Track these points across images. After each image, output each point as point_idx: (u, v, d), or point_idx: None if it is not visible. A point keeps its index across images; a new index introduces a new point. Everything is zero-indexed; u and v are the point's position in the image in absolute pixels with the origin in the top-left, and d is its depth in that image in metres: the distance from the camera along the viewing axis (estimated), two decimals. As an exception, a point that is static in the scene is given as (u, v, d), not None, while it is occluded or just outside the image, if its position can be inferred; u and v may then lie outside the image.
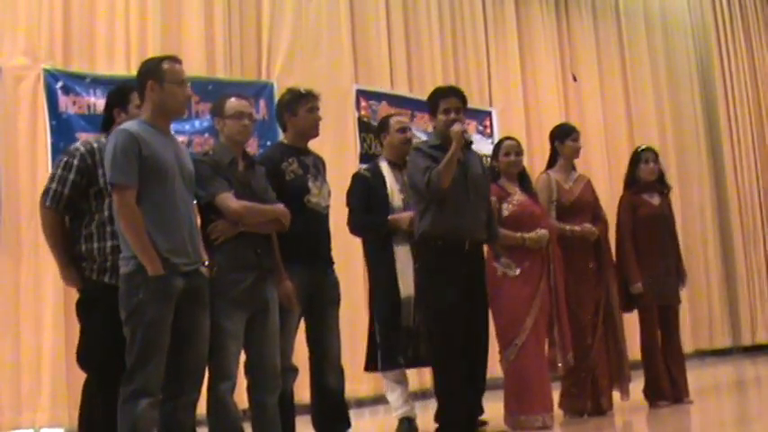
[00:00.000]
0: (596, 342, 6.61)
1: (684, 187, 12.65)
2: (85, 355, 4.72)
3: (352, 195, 6.27)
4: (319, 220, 5.42)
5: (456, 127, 5.61)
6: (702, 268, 12.71)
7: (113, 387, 4.28)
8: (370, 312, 6.29)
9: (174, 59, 4.56)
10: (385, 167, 6.24)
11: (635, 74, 12.55)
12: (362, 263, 8.75)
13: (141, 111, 4.50)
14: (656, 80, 12.82)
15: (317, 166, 5.55)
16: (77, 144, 4.87)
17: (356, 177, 6.37)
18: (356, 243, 8.74)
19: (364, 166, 6.95)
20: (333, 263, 5.55)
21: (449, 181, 5.53)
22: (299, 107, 5.48)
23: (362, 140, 9.35)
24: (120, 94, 4.90)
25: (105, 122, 4.89)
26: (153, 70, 4.45)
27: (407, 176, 5.86)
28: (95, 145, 4.70)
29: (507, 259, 6.08)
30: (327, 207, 5.51)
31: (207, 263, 4.63)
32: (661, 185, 7.33)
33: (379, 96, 9.57)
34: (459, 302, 5.53)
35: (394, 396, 6.21)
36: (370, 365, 6.26)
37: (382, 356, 6.11)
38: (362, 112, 9.39)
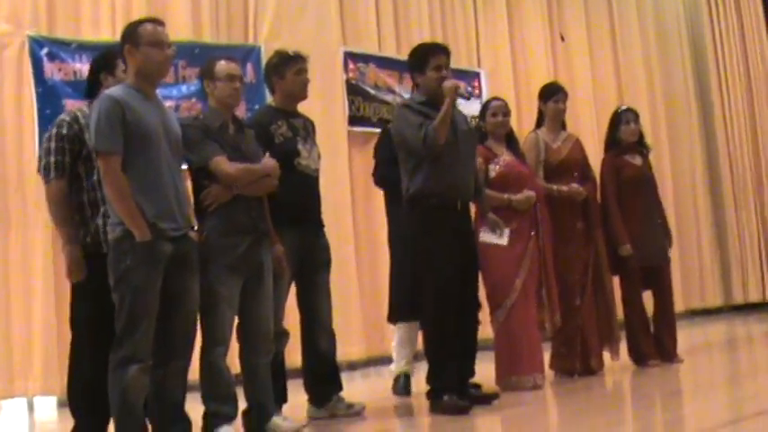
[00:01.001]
0: (585, 303, 6.64)
1: (675, 146, 12.70)
2: (72, 318, 4.76)
3: (380, 148, 6.32)
4: (309, 182, 5.43)
5: (449, 83, 5.55)
6: (693, 227, 12.77)
7: (101, 351, 4.32)
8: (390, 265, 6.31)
9: (154, 21, 4.53)
10: None
11: (623, 33, 12.51)
12: (352, 225, 8.86)
13: (126, 75, 4.50)
14: (645, 38, 12.79)
15: (307, 129, 5.55)
16: (62, 115, 4.89)
17: (385, 131, 6.42)
18: (345, 205, 8.87)
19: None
20: (323, 226, 5.57)
21: (445, 137, 5.47)
22: (287, 70, 5.47)
23: (351, 103, 9.34)
24: (105, 58, 4.91)
25: (91, 88, 4.89)
26: (129, 34, 4.44)
27: (394, 133, 5.75)
28: (78, 113, 4.74)
29: (494, 216, 6.06)
30: (317, 170, 5.52)
31: (195, 227, 4.64)
32: (641, 146, 7.30)
33: (366, 58, 9.56)
34: (453, 262, 5.50)
35: (398, 350, 6.27)
36: (392, 317, 6.29)
37: (398, 307, 6.16)
38: (350, 75, 9.37)
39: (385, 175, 6.25)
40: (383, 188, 6.47)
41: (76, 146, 4.64)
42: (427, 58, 5.70)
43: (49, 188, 4.68)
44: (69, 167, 4.65)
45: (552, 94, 6.91)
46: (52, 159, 4.64)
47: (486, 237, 6.09)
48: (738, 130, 13.25)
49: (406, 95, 8.28)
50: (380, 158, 6.31)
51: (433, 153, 5.46)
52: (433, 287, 5.46)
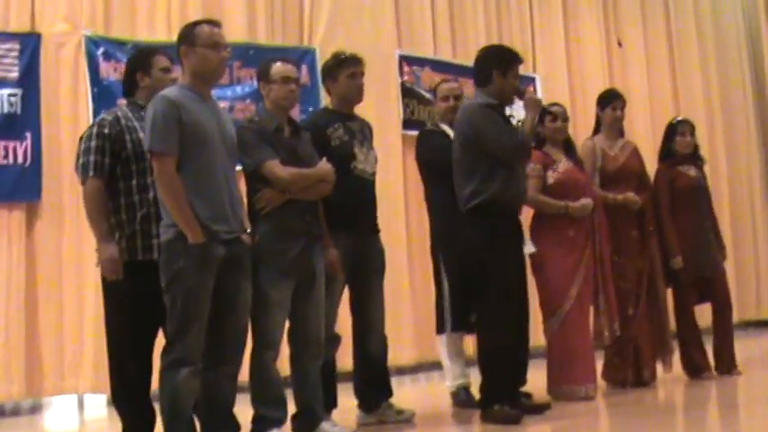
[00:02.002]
0: (638, 313, 6.55)
1: (732, 157, 12.53)
2: (107, 321, 4.74)
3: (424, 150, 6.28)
4: (365, 186, 5.40)
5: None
6: (750, 239, 12.58)
7: (141, 355, 4.39)
8: (435, 275, 6.21)
9: (211, 22, 4.52)
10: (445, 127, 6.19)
11: (681, 40, 12.36)
12: (405, 230, 8.82)
13: (180, 76, 4.49)
14: (703, 47, 12.62)
15: (364, 132, 5.52)
16: (103, 114, 4.86)
17: (423, 132, 6.47)
18: (399, 210, 8.83)
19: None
20: (378, 230, 5.54)
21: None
22: (340, 72, 5.45)
23: (405, 106, 9.32)
24: (141, 57, 4.87)
25: (128, 87, 4.83)
26: (186, 34, 4.43)
27: (471, 131, 5.47)
28: (119, 113, 4.68)
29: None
30: (374, 173, 5.48)
31: (249, 231, 4.61)
32: (696, 158, 7.20)
33: (422, 62, 9.53)
34: (517, 271, 5.48)
35: (451, 363, 6.18)
36: (441, 328, 6.21)
37: (451, 318, 6.08)
38: (405, 78, 9.35)
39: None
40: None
41: (117, 147, 4.55)
42: (512, 64, 5.59)
43: (85, 187, 4.60)
44: (109, 168, 4.56)
45: (610, 100, 6.85)
46: (92, 158, 4.54)
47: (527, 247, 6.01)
48: (797, 141, 13.08)
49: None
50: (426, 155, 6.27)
51: (518, 161, 5.49)
52: (499, 296, 5.33)
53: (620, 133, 6.89)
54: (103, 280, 4.64)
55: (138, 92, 4.73)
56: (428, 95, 9.28)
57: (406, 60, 9.39)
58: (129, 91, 4.81)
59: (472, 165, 5.45)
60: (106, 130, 4.58)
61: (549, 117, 6.36)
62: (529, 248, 5.97)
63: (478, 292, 5.44)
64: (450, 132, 5.97)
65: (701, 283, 6.97)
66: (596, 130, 6.87)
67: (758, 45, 13.28)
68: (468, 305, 5.81)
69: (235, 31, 8.09)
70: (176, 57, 4.50)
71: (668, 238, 6.85)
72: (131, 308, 4.50)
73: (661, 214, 6.90)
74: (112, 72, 7.67)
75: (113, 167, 4.56)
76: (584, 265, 6.11)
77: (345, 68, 5.45)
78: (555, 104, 6.58)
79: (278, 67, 4.98)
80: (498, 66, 5.57)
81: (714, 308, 7.06)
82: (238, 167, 4.70)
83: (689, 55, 12.40)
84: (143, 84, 4.73)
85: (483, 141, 5.42)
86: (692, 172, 7.08)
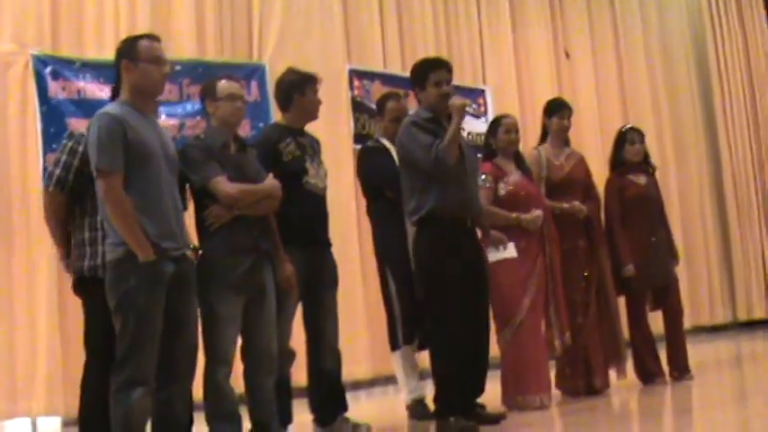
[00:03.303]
0: (588, 322, 6.57)
1: (681, 164, 12.70)
2: (86, 338, 4.73)
3: (364, 164, 6.32)
4: (317, 201, 5.41)
5: (458, 101, 5.47)
6: (701, 245, 12.75)
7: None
8: (382, 289, 6.21)
9: (151, 37, 4.46)
10: (387, 143, 6.21)
11: (628, 50, 12.50)
12: (358, 245, 8.81)
13: (121, 92, 4.41)
14: (650, 56, 12.78)
15: (314, 147, 5.54)
16: (83, 129, 4.83)
17: (365, 149, 6.50)
18: (351, 224, 8.82)
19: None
20: (331, 245, 5.54)
21: (455, 156, 5.41)
22: (308, 88, 5.48)
23: (356, 120, 9.34)
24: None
25: None
26: (127, 49, 4.37)
27: (402, 151, 5.65)
28: None
29: (496, 232, 6.03)
30: (325, 188, 5.49)
31: (192, 246, 4.60)
32: (646, 165, 7.24)
33: (372, 76, 9.56)
34: (464, 282, 5.46)
35: (407, 376, 6.17)
36: (395, 343, 6.20)
37: (402, 331, 6.07)
38: (356, 92, 9.37)
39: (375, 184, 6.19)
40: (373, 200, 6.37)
41: (88, 168, 4.55)
42: (427, 73, 5.62)
43: (44, 197, 4.71)
44: (72, 185, 4.62)
45: (557, 109, 6.88)
46: (57, 171, 4.65)
47: (494, 255, 6.06)
48: (743, 148, 13.29)
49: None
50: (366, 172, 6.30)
51: (445, 173, 5.40)
52: (444, 308, 5.38)
53: (566, 142, 6.92)
54: (84, 299, 4.69)
55: None
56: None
57: (355, 75, 9.42)
58: None
59: (410, 180, 5.55)
60: (80, 148, 4.61)
61: (502, 129, 6.36)
62: (494, 255, 6.03)
63: (426, 304, 5.49)
64: (392, 148, 6.04)
65: (653, 290, 7.02)
66: (542, 139, 6.90)
67: (704, 52, 13.47)
68: (418, 317, 5.83)
69: (184, 49, 8.09)
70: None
71: (619, 247, 6.88)
72: (107, 322, 4.40)
73: (612, 223, 6.94)
74: (61, 91, 7.61)
75: (83, 186, 4.58)
76: (537, 276, 6.13)
77: (311, 84, 5.49)
78: (506, 116, 6.58)
79: (224, 85, 4.97)
80: (415, 81, 5.68)
81: (666, 314, 7.11)
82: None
83: (636, 64, 12.55)
84: None
85: (408, 159, 5.53)
86: (643, 180, 7.12)
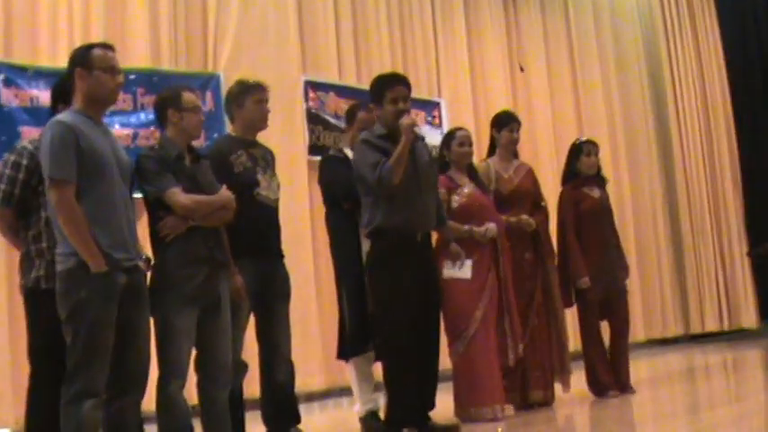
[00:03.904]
0: (527, 335, 6.57)
1: (634, 175, 12.85)
2: (29, 350, 4.70)
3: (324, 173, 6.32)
4: (269, 213, 5.42)
5: (406, 120, 5.54)
6: (654, 258, 12.90)
7: (59, 384, 4.23)
8: (338, 299, 6.22)
9: (105, 46, 4.44)
10: (349, 153, 6.22)
11: (583, 64, 12.65)
12: (313, 256, 8.82)
13: (73, 101, 4.39)
14: (605, 70, 12.94)
15: (267, 159, 5.54)
16: (24, 142, 4.84)
17: (326, 158, 6.52)
18: (305, 236, 8.83)
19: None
20: (283, 256, 5.55)
21: (400, 176, 5.49)
22: (247, 98, 5.47)
23: (311, 132, 9.35)
24: (63, 87, 4.82)
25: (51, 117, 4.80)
26: (81, 57, 4.34)
27: (354, 167, 5.77)
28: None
29: (456, 246, 6.06)
30: (277, 200, 5.50)
31: (145, 257, 4.59)
32: (599, 178, 7.31)
33: (327, 87, 9.58)
34: (412, 295, 5.53)
35: (359, 388, 6.17)
36: (343, 353, 6.21)
37: (351, 341, 6.07)
38: (311, 103, 9.38)
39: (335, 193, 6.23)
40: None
41: (33, 178, 4.58)
42: (383, 90, 5.70)
43: None
44: (18, 199, 4.63)
45: (506, 123, 6.92)
46: (2, 187, 4.62)
47: (448, 271, 6.09)
48: (696, 159, 13.49)
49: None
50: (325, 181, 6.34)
51: (389, 193, 5.49)
52: (391, 320, 5.47)
53: (515, 155, 6.98)
54: (27, 311, 4.69)
55: None
56: (333, 121, 9.35)
57: (311, 86, 9.43)
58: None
59: (365, 195, 5.65)
60: (24, 162, 4.61)
61: (456, 141, 6.41)
62: (449, 272, 6.06)
63: (376, 316, 5.57)
64: None
65: (602, 301, 7.06)
66: (491, 152, 6.95)
67: (657, 66, 13.71)
68: (369, 329, 5.87)
69: (138, 58, 8.06)
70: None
71: (574, 259, 6.96)
72: (50, 332, 4.40)
73: (567, 235, 7.01)
74: (13, 98, 7.55)
75: (31, 198, 4.60)
76: (489, 288, 6.17)
77: (253, 94, 5.48)
78: (459, 129, 6.62)
79: (189, 97, 4.97)
80: (373, 98, 5.78)
81: (612, 326, 7.19)
82: (139, 195, 4.71)
83: (591, 77, 12.70)
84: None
85: (357, 175, 5.66)
86: (597, 193, 7.19)
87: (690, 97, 13.58)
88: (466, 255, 6.11)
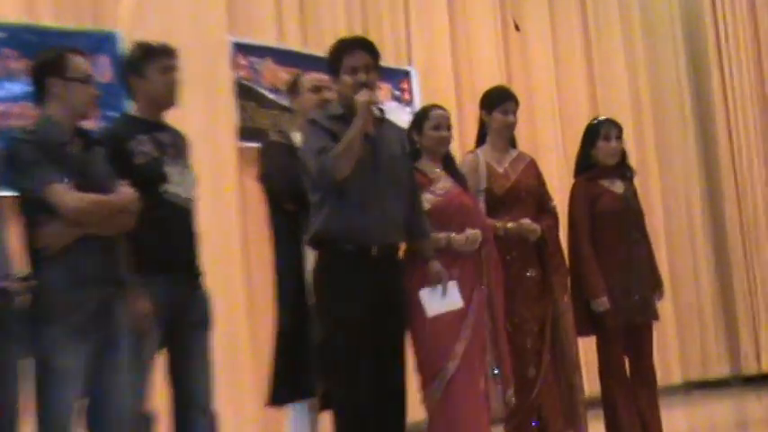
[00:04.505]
0: (541, 374, 6.62)
1: (666, 172, 12.88)
2: None
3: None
4: (180, 215, 5.41)
5: (362, 95, 5.54)
6: (691, 276, 12.94)
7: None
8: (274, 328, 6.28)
9: None
10: (296, 138, 6.26)
11: (599, 24, 12.65)
12: (244, 273, 8.79)
13: None
14: (628, 33, 12.94)
15: (178, 146, 5.54)
16: None
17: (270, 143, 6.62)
18: (234, 247, 8.79)
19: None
20: (200, 273, 5.55)
21: (349, 168, 5.46)
22: (149, 67, 5.46)
23: (242, 110, 9.28)
24: None
25: None
26: None
27: (299, 156, 5.80)
28: None
29: (438, 266, 5.99)
30: (191, 200, 5.50)
31: (18, 276, 4.60)
32: (623, 168, 7.33)
33: (262, 51, 9.52)
34: (364, 327, 5.53)
35: None
36: (276, 398, 6.25)
37: (283, 384, 6.13)
38: (241, 73, 9.30)
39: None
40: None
41: None
42: (341, 57, 5.73)
43: None
44: None
45: (499, 101, 6.91)
46: None
47: (432, 305, 5.98)
48: (748, 149, 13.42)
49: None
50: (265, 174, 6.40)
51: (332, 188, 5.51)
52: (339, 361, 5.49)
53: (512, 143, 7.00)
54: None
55: None
56: (271, 96, 9.32)
57: (241, 50, 9.35)
58: None
59: (311, 192, 5.67)
60: None
61: (430, 123, 6.39)
62: (430, 302, 6.00)
63: (321, 352, 5.61)
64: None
65: (626, 330, 7.06)
66: (480, 141, 6.96)
67: (698, 30, 13.75)
68: (309, 367, 5.92)
69: (9, 10, 8.03)
70: None
71: (589, 275, 6.96)
72: None
73: (579, 244, 7.03)
74: None
75: None
76: (473, 314, 6.12)
77: (156, 61, 5.47)
78: (435, 107, 6.59)
79: (79, 63, 4.98)
80: (332, 64, 5.81)
81: (633, 362, 7.16)
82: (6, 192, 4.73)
83: (609, 41, 12.71)
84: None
85: (302, 165, 5.68)
86: (620, 187, 7.21)
87: (740, 67, 13.53)
88: (455, 281, 6.06)
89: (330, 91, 6.31)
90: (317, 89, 6.43)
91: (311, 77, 6.55)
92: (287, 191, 6.09)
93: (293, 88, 6.60)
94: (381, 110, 5.83)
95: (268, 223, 6.41)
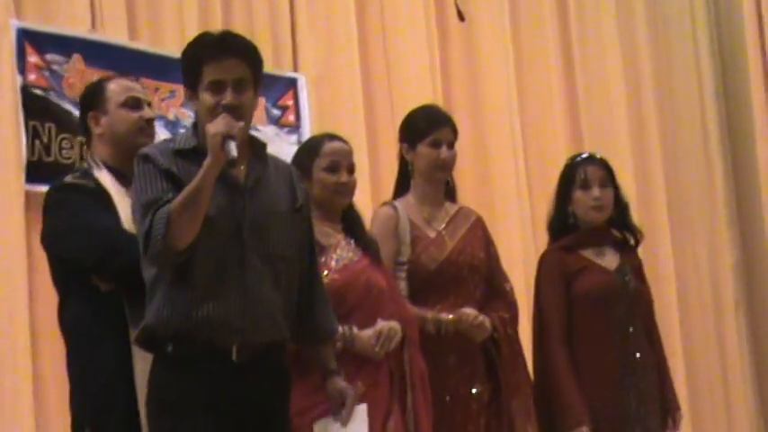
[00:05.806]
0: None
1: (682, 231, 12.84)
2: None
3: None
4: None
5: (216, 124, 5.35)
6: (720, 393, 12.87)
7: None
8: None
9: None
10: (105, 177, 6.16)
11: (585, 13, 12.69)
12: (30, 348, 8.73)
13: None
14: (627, 28, 13.03)
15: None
16: None
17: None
18: (20, 316, 8.75)
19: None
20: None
21: (192, 232, 5.31)
22: None
23: (33, 132, 9.11)
24: None
25: None
26: None
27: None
28: None
29: (341, 382, 5.94)
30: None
31: None
32: (622, 229, 7.38)
33: (67, 44, 9.39)
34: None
35: None
36: None
37: None
38: (32, 76, 9.15)
39: None
40: None
41: None
42: (199, 65, 5.58)
43: None
44: None
45: (428, 129, 6.90)
46: None
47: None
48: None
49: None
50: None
51: (168, 262, 5.38)
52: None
53: (450, 193, 7.02)
54: None
55: None
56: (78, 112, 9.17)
57: (32, 40, 9.25)
58: None
59: (144, 264, 5.56)
60: None
61: (322, 161, 6.38)
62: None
63: None
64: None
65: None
66: (401, 187, 6.96)
67: (729, 20, 13.75)
68: None
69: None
70: None
71: (563, 394, 6.98)
72: None
73: (549, 345, 7.07)
74: None
75: None
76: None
77: None
78: (331, 137, 6.61)
79: None
80: (187, 74, 5.70)
81: None
82: None
83: (599, 38, 12.79)
84: None
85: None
86: (611, 259, 7.27)
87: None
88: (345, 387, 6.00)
89: (152, 108, 6.34)
90: (133, 103, 6.20)
91: (122, 84, 6.34)
92: (98, 259, 5.87)
93: (94, 100, 6.31)
94: (232, 157, 5.59)
95: (58, 316, 6.32)
